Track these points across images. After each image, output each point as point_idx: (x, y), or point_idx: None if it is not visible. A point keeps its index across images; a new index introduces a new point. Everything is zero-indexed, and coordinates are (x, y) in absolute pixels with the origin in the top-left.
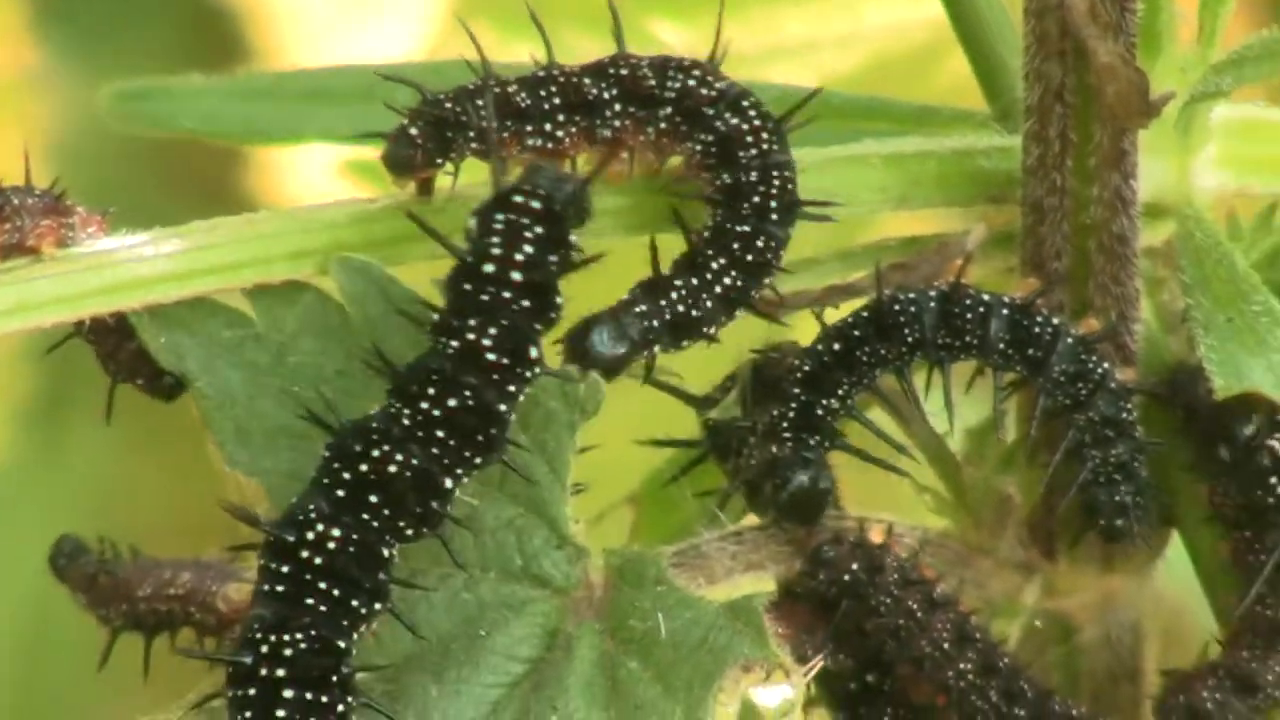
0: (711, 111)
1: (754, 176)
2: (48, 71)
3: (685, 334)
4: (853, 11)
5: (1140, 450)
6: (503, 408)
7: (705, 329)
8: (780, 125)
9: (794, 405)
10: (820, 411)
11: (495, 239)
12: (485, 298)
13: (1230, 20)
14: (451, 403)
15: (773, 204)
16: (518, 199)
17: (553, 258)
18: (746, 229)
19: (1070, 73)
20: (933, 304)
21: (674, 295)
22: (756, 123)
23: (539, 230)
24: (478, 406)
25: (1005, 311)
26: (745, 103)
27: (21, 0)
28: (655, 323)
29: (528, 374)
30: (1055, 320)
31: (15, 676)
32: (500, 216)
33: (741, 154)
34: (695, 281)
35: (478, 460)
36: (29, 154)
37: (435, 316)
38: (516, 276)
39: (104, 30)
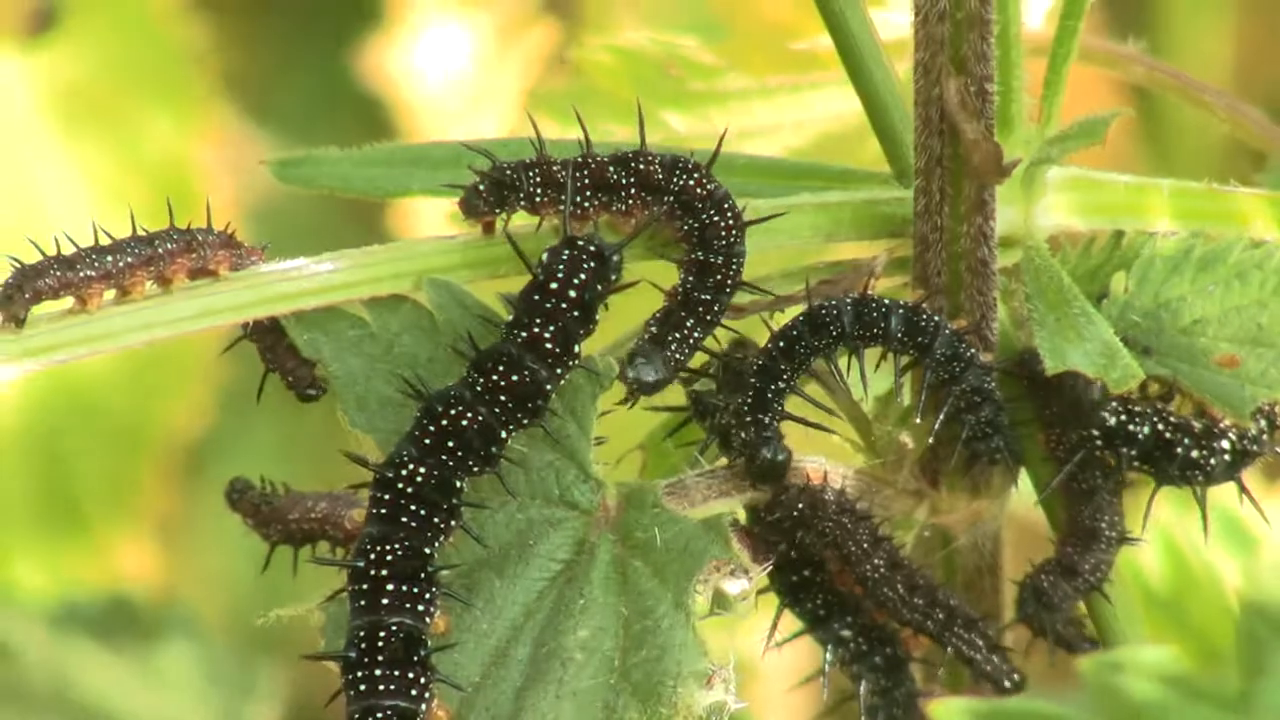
0: (700, 206)
1: (719, 260)
2: (249, 151)
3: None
4: (806, 103)
5: (1001, 410)
6: (549, 386)
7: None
8: (744, 224)
9: (753, 392)
10: (771, 395)
11: (561, 267)
12: (549, 306)
13: (1066, 103)
14: (514, 378)
15: (728, 282)
16: (580, 243)
17: (598, 286)
18: (707, 298)
19: (947, 145)
20: (849, 308)
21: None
22: (730, 221)
23: (591, 265)
24: (533, 381)
25: (901, 312)
26: (726, 205)
27: (223, 101)
28: (674, 352)
29: (571, 363)
30: (936, 318)
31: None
32: (566, 252)
33: (715, 242)
34: (678, 334)
35: (526, 421)
36: (236, 212)
37: (510, 316)
38: (572, 294)
39: (298, 121)
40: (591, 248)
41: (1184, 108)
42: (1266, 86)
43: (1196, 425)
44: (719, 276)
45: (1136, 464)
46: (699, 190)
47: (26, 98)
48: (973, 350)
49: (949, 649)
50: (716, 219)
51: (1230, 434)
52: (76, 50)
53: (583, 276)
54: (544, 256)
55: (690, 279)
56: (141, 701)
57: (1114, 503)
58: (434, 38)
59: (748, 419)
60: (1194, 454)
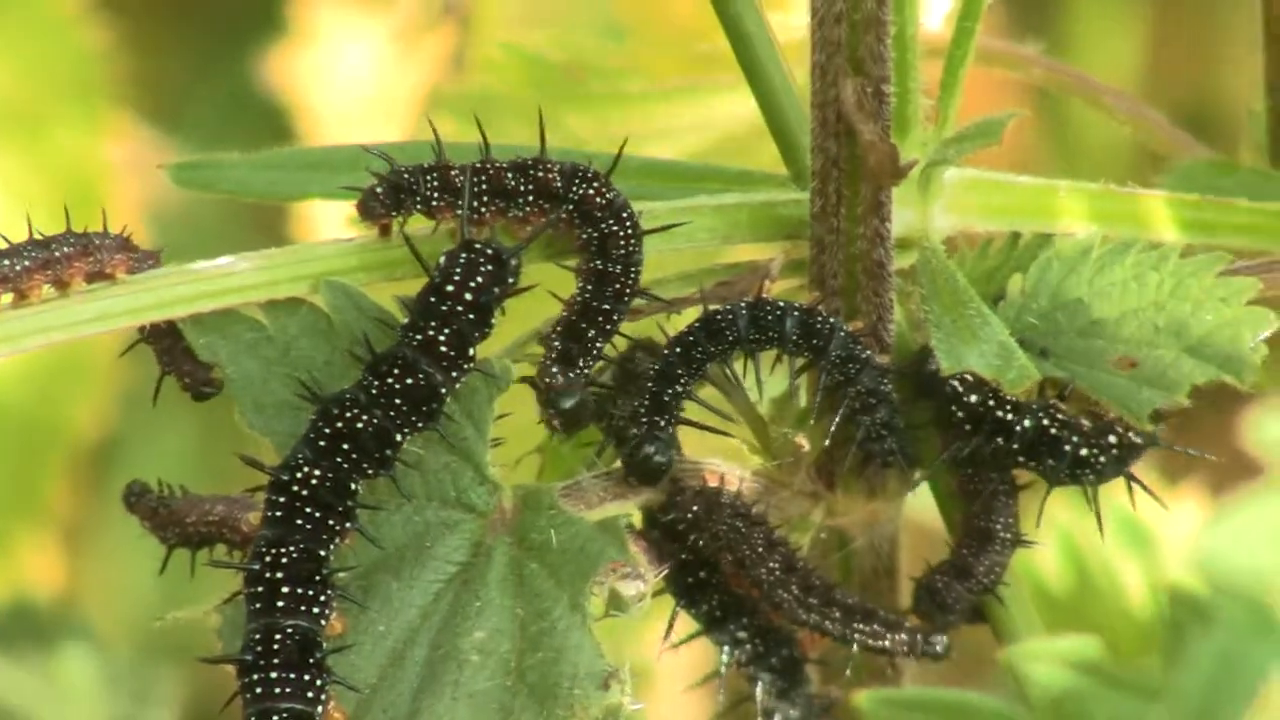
0: (599, 215)
1: (618, 269)
2: (155, 155)
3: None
4: (705, 105)
5: (895, 411)
6: (444, 389)
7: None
8: (642, 233)
9: (649, 396)
10: (667, 399)
11: (458, 269)
12: (444, 308)
13: (973, 106)
14: (409, 380)
15: (627, 291)
16: (478, 246)
17: (495, 289)
18: (607, 307)
19: (843, 147)
20: (745, 312)
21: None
22: (629, 229)
23: (488, 268)
24: (428, 385)
25: (796, 314)
26: (625, 214)
27: (129, 105)
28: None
29: (467, 366)
30: (832, 320)
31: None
32: (463, 255)
33: (614, 251)
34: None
35: (421, 424)
36: (140, 215)
37: (405, 319)
38: (468, 297)
39: (208, 127)
40: (489, 250)
41: (1088, 110)
42: (1177, 86)
43: (1085, 423)
44: (618, 285)
45: (1022, 460)
46: (598, 200)
47: None
48: (868, 352)
49: (856, 646)
50: (615, 228)
51: (1116, 427)
52: None
53: (480, 280)
54: (441, 259)
55: (589, 288)
56: (41, 707)
57: (1008, 504)
58: (336, 44)
59: (644, 422)
60: (1083, 451)
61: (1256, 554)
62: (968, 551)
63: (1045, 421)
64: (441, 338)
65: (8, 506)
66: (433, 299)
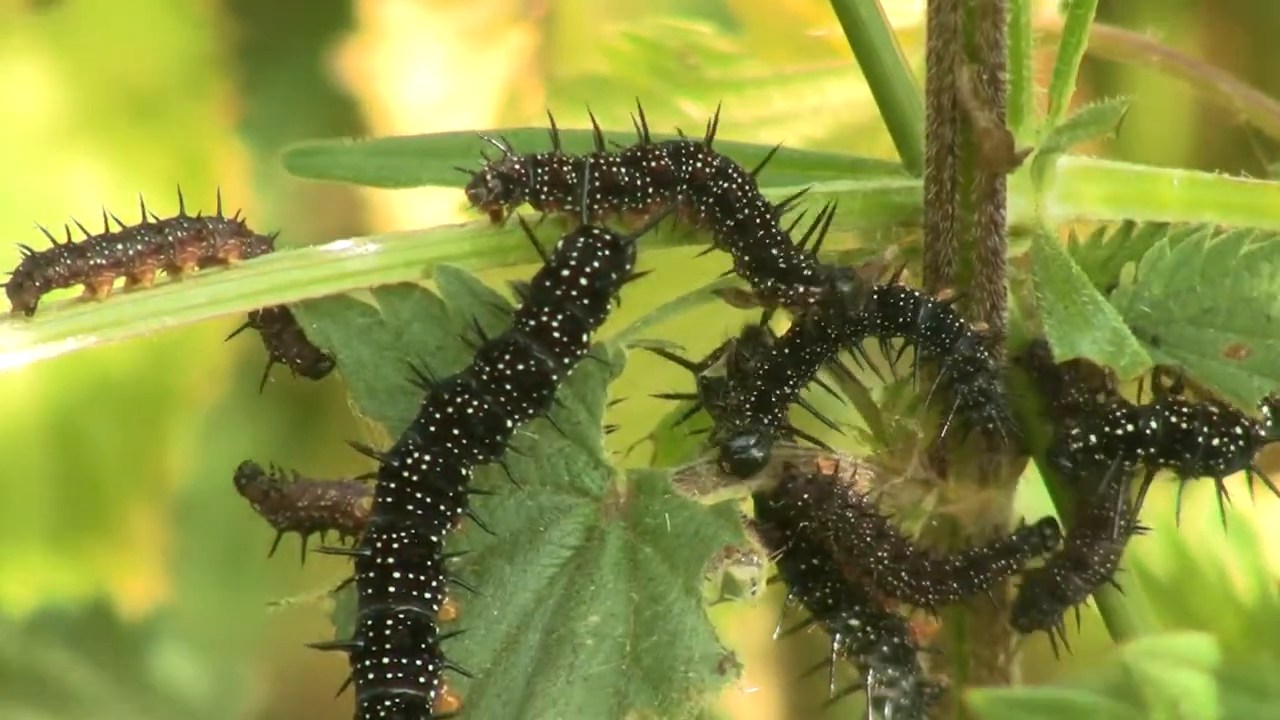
0: (711, 184)
1: (746, 214)
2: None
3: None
4: (821, 91)
5: (994, 378)
6: (556, 376)
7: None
8: (753, 179)
9: (756, 394)
10: (775, 398)
11: (574, 255)
12: (559, 294)
13: (1071, 98)
14: (520, 367)
15: (772, 226)
16: (595, 232)
17: (612, 275)
18: (772, 248)
19: (958, 134)
20: (874, 298)
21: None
22: (740, 180)
23: (605, 254)
24: (539, 371)
25: (876, 296)
26: (731, 169)
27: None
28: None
29: (580, 353)
30: (916, 294)
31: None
32: (580, 240)
33: (736, 203)
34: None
35: (532, 410)
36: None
37: (519, 304)
38: (583, 283)
39: (266, 119)
40: (606, 236)
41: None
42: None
43: (1214, 411)
44: (756, 225)
45: (1160, 461)
46: (706, 170)
47: (38, 91)
48: (960, 320)
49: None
50: (727, 185)
51: (1241, 420)
52: (99, 22)
53: (596, 265)
54: (558, 244)
55: (742, 242)
56: (123, 702)
57: (1122, 491)
58: (408, 40)
59: (749, 418)
60: (1215, 441)
61: None
62: (1081, 541)
63: (1174, 419)
64: (555, 324)
65: (121, 478)
66: (547, 284)
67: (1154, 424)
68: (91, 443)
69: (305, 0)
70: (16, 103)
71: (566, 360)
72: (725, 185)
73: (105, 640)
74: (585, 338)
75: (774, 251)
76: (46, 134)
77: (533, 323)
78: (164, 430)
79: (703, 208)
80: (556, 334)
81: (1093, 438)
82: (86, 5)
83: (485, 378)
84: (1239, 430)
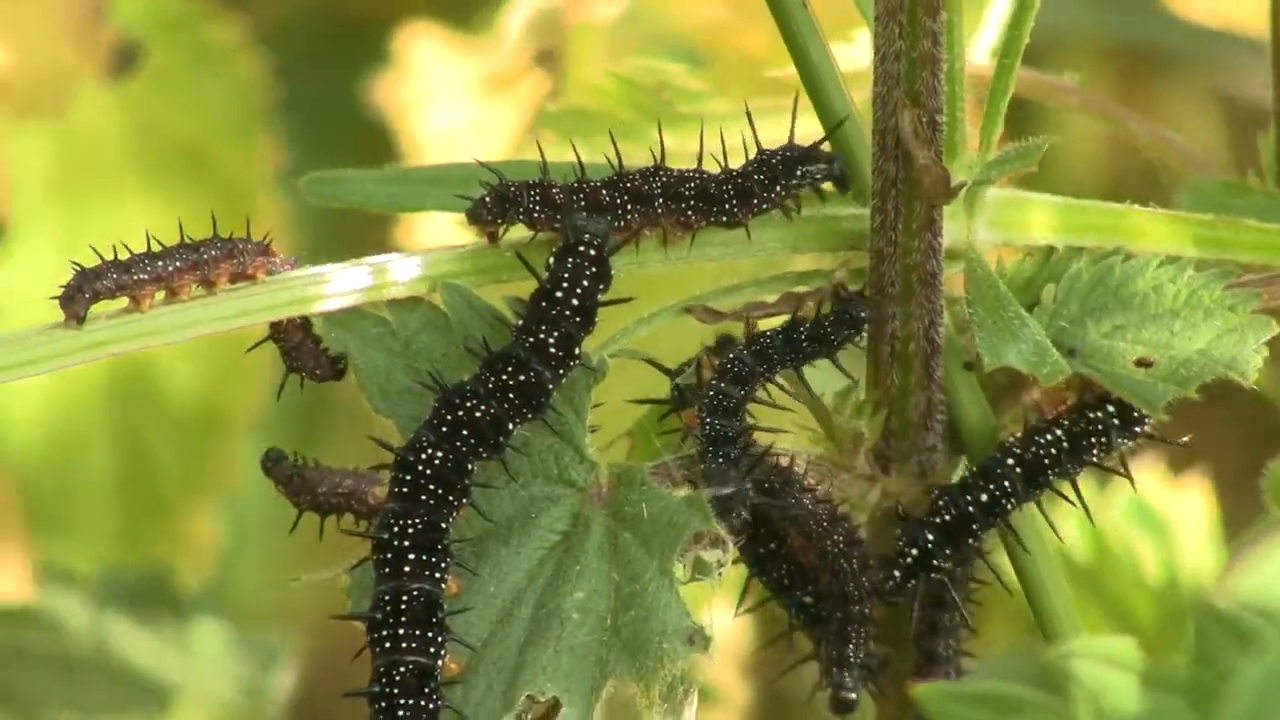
0: (684, 188)
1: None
2: (288, 173)
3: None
4: (779, 127)
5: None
6: (552, 385)
7: None
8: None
9: (719, 395)
10: (733, 404)
11: (565, 275)
12: (554, 313)
13: (999, 136)
14: (521, 378)
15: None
16: (581, 248)
17: (598, 290)
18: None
19: (901, 169)
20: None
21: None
22: (702, 174)
23: (592, 270)
24: (538, 381)
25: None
26: (690, 171)
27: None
28: None
29: (572, 364)
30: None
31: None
32: (569, 260)
33: (710, 185)
34: None
35: (530, 415)
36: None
37: (518, 322)
38: (575, 303)
39: (319, 148)
40: (591, 252)
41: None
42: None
43: (1062, 413)
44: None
45: (1048, 479)
46: (672, 178)
47: (105, 150)
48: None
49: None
50: (696, 180)
51: (1101, 406)
52: (160, 87)
53: (585, 284)
54: (550, 262)
55: (719, 209)
56: (174, 669)
57: (956, 588)
58: (435, 78)
59: (711, 433)
60: (1076, 430)
61: None
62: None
63: (1034, 451)
64: (551, 340)
65: (176, 482)
66: (543, 304)
67: (929, 535)
68: (152, 454)
69: (339, 39)
70: (87, 158)
71: (561, 371)
72: (696, 179)
73: (162, 611)
74: (577, 350)
75: (751, 184)
76: (111, 185)
77: (531, 339)
78: (219, 442)
79: (683, 205)
80: (553, 349)
81: (895, 575)
82: (152, 76)
83: (490, 386)
84: (1099, 415)
